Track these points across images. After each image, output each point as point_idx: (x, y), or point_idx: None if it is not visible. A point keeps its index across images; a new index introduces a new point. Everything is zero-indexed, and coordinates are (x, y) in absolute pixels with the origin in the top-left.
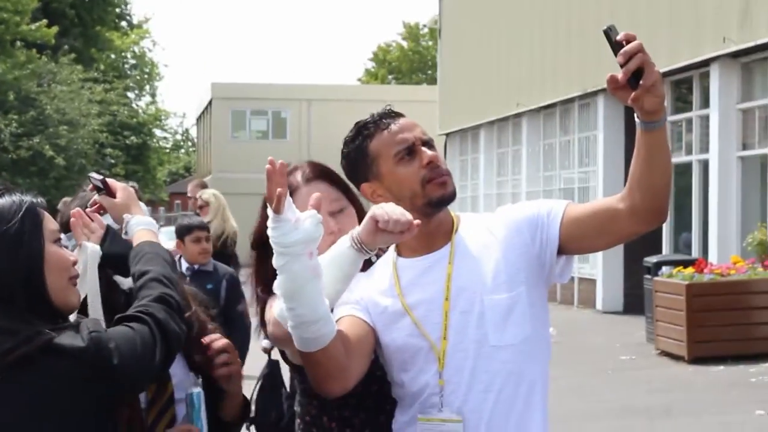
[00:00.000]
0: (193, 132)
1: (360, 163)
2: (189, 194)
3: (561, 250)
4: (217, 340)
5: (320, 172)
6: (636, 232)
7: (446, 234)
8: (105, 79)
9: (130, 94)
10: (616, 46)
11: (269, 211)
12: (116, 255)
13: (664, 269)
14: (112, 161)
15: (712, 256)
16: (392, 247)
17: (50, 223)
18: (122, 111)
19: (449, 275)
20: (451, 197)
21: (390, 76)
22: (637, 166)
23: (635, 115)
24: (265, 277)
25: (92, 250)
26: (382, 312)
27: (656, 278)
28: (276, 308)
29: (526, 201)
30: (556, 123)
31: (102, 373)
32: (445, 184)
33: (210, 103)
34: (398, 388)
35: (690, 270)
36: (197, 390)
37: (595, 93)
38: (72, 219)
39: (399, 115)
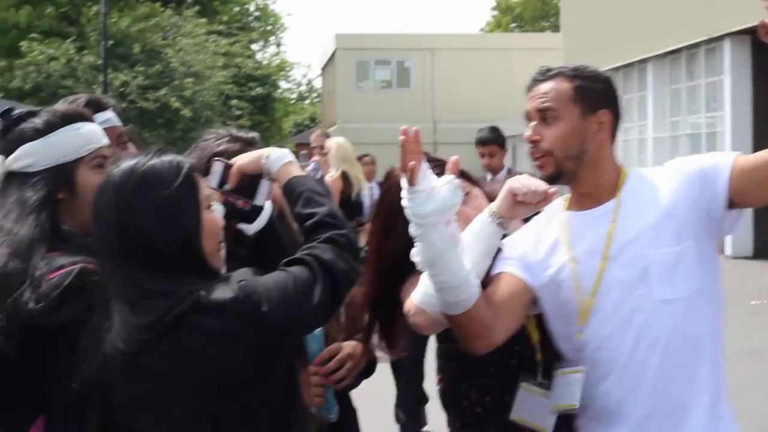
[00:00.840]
0: (318, 83)
1: None
2: (312, 144)
3: (731, 204)
4: (339, 350)
5: (440, 166)
6: None
7: (612, 188)
8: (229, 32)
9: (255, 46)
10: None
11: (403, 182)
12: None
13: None
14: (238, 112)
15: None
16: (560, 201)
17: (204, 188)
18: (247, 63)
19: (609, 233)
20: (552, 179)
21: (513, 24)
22: None
23: None
24: (386, 256)
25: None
26: (545, 266)
27: None
28: (415, 296)
29: (696, 155)
30: (682, 68)
31: (252, 323)
32: (541, 168)
33: (334, 53)
34: (556, 342)
35: None
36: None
37: (721, 37)
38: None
39: (551, 75)
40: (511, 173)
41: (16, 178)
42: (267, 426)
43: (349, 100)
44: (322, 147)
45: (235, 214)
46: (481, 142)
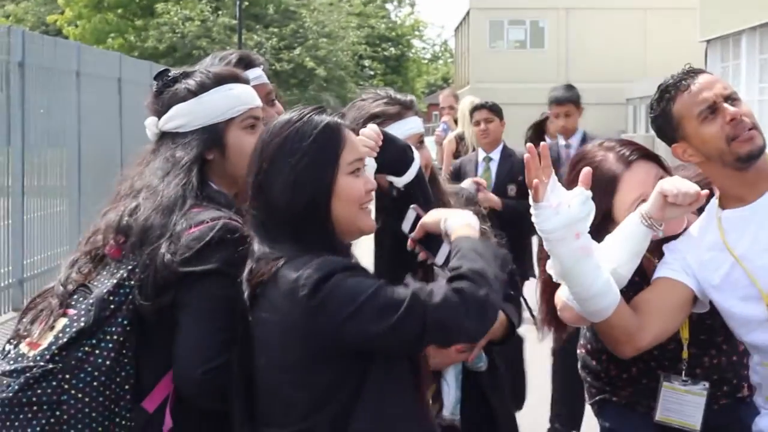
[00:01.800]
0: (451, 43)
1: (666, 126)
2: (441, 104)
3: None
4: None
5: (638, 151)
6: None
7: (766, 176)
8: None
9: (389, 6)
10: None
11: (530, 198)
12: (390, 159)
13: None
14: (371, 73)
15: None
16: (714, 202)
17: (351, 152)
18: (380, 24)
19: None
20: (761, 151)
21: None
22: None
23: None
24: None
25: (369, 162)
26: (712, 266)
27: None
28: (563, 292)
29: None
30: None
31: (302, 308)
32: (752, 140)
33: (468, 13)
34: (740, 337)
35: None
36: None
37: None
38: (360, 140)
39: (698, 72)
40: (587, 138)
41: (168, 137)
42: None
43: (483, 60)
44: (451, 107)
45: (382, 167)
46: (557, 102)
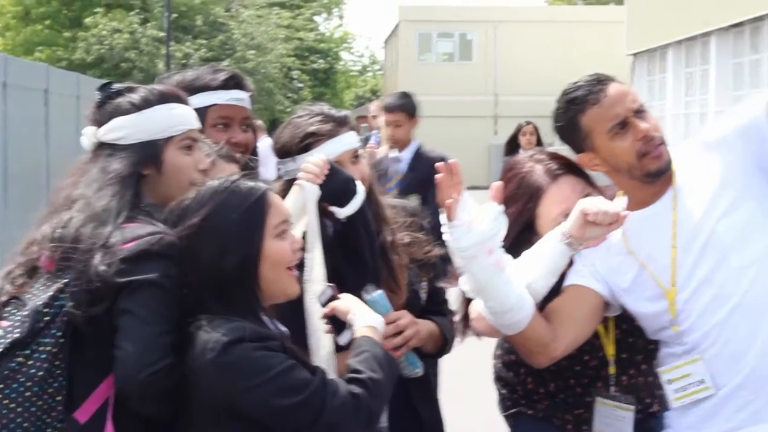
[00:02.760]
0: (380, 55)
1: (574, 135)
2: (372, 113)
3: None
4: (399, 318)
5: (566, 166)
6: None
7: (667, 179)
8: (292, 4)
9: (318, 18)
10: None
11: (442, 217)
12: (333, 189)
13: None
14: (300, 85)
15: None
16: (619, 200)
17: (276, 216)
18: (309, 36)
19: (674, 222)
20: (668, 167)
21: None
22: None
23: None
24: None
25: (310, 188)
26: (618, 272)
27: None
28: (478, 304)
29: (722, 117)
30: (746, 41)
31: (205, 374)
32: (660, 156)
33: (397, 26)
34: (653, 337)
35: None
36: (377, 292)
37: None
38: (303, 166)
39: (608, 80)
40: (420, 153)
41: (105, 148)
42: None
43: (411, 72)
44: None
45: (325, 197)
46: (387, 109)
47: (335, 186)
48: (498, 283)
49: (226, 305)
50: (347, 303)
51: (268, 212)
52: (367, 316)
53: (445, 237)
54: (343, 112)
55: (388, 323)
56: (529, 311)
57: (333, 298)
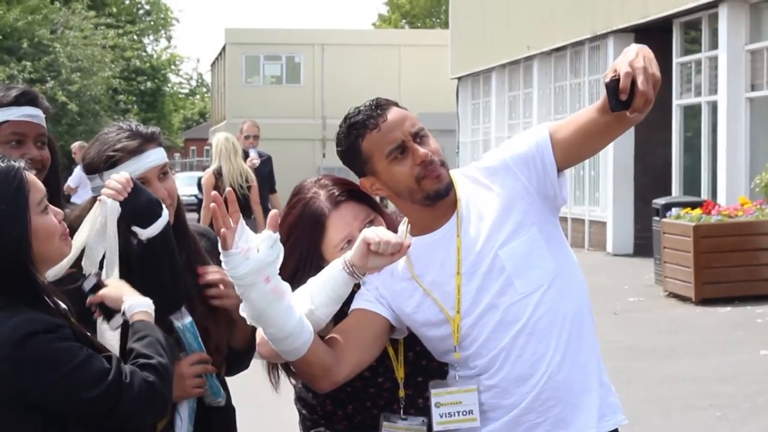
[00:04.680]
0: (208, 77)
1: (355, 160)
2: (246, 133)
3: (558, 171)
4: (212, 273)
5: (348, 192)
6: (625, 130)
7: (451, 205)
8: (118, 24)
9: (145, 39)
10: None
11: (219, 246)
12: (135, 208)
13: (673, 211)
14: (127, 107)
15: (721, 198)
16: (402, 227)
17: (36, 192)
18: (135, 56)
19: (458, 248)
20: (447, 189)
21: (404, 21)
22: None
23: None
24: (285, 273)
25: (111, 205)
26: (402, 297)
27: (664, 220)
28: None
29: (506, 142)
30: (566, 65)
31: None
32: (439, 178)
33: (224, 48)
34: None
35: (698, 211)
36: (188, 320)
37: (605, 35)
38: (107, 182)
39: (388, 105)
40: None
41: None
42: None
43: (239, 95)
44: (256, 137)
45: (127, 216)
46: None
47: (137, 205)
48: (277, 310)
49: (8, 294)
50: (116, 289)
51: (30, 190)
52: (138, 299)
53: (223, 266)
54: (151, 129)
55: (192, 364)
56: (309, 337)
57: (99, 284)
